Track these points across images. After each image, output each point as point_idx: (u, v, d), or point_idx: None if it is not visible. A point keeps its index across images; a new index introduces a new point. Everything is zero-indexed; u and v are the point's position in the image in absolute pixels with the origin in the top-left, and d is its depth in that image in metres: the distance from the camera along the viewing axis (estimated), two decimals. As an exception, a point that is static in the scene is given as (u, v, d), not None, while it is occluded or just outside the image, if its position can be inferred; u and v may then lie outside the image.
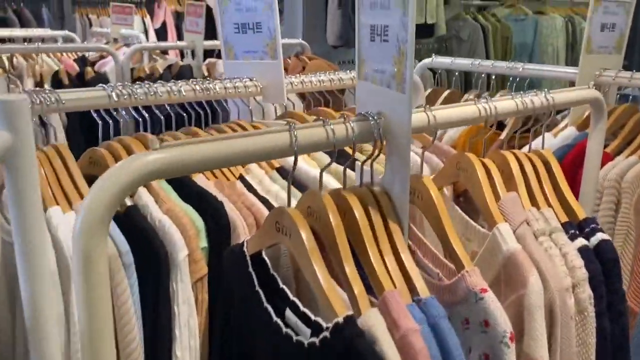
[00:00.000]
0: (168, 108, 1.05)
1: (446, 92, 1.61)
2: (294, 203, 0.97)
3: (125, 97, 0.89)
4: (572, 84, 1.40)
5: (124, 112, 0.95)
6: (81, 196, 0.82)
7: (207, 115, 1.13)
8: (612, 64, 1.30)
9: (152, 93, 0.93)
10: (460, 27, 4.53)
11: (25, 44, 1.93)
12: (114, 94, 0.89)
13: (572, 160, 1.22)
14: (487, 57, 4.49)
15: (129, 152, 0.90)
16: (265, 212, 0.91)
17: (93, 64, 2.49)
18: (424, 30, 4.01)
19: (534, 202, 0.84)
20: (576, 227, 0.83)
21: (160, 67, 2.37)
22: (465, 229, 0.85)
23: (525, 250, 0.73)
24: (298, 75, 1.14)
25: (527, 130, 1.61)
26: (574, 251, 0.77)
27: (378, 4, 0.66)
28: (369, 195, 0.69)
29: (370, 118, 0.67)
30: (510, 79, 1.51)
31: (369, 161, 0.70)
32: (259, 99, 1.10)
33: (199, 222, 0.85)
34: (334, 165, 1.08)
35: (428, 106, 0.75)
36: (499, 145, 1.43)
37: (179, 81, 0.98)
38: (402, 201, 0.68)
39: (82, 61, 2.48)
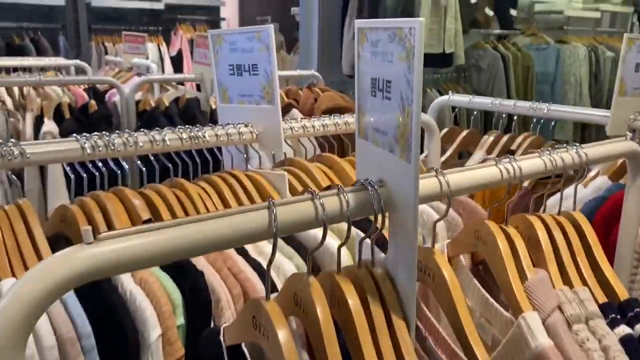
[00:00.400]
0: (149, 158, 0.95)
1: (464, 133, 1.50)
2: (287, 267, 0.86)
3: (101, 148, 0.80)
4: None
5: (100, 164, 0.86)
6: (41, 265, 0.72)
7: (206, 162, 1.03)
8: (649, 107, 1.17)
9: (131, 144, 0.83)
10: (480, 56, 4.43)
11: (27, 76, 1.87)
12: (87, 145, 0.79)
13: (605, 215, 1.09)
14: (508, 87, 4.38)
15: (104, 211, 0.80)
16: (255, 280, 0.80)
17: (104, 93, 2.43)
18: (443, 60, 3.91)
19: (565, 278, 0.72)
20: (617, 309, 0.70)
21: (167, 99, 2.30)
22: (485, 308, 0.72)
23: (558, 346, 0.60)
24: (299, 119, 1.04)
25: (557, 175, 1.49)
26: (617, 345, 0.64)
27: (380, 54, 0.55)
28: (369, 280, 0.57)
29: (370, 188, 0.56)
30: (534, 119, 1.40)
31: (376, 231, 0.59)
32: (256, 145, 1.00)
33: (176, 295, 0.74)
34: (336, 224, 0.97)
35: (439, 169, 0.63)
36: (522, 194, 1.31)
37: (164, 129, 0.88)
38: (408, 289, 0.56)
39: (93, 91, 2.42)
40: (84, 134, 0.80)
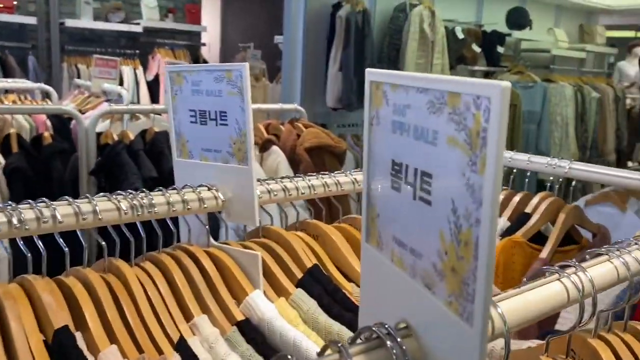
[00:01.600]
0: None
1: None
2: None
3: None
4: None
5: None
6: None
7: (154, 235, 0.80)
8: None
9: (47, 219, 0.60)
10: (467, 93, 4.31)
11: None
12: (-20, 222, 0.56)
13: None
14: (495, 125, 4.26)
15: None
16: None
17: (70, 119, 2.19)
18: (430, 96, 3.76)
19: None
20: None
21: (133, 130, 2.07)
22: None
23: None
24: (278, 180, 0.82)
25: (570, 242, 1.29)
26: None
27: (410, 129, 0.34)
28: None
29: (389, 342, 0.34)
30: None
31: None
32: (222, 213, 0.78)
33: None
34: (324, 318, 0.75)
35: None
36: (542, 264, 1.10)
37: (96, 197, 0.66)
38: None
39: (58, 118, 2.17)
40: (-21, 204, 0.57)
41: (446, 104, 0.30)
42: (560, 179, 1.21)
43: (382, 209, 0.39)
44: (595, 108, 5.15)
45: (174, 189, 0.72)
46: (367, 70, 0.41)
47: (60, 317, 0.60)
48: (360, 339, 0.36)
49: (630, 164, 5.01)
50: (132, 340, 0.63)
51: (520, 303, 0.44)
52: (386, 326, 0.36)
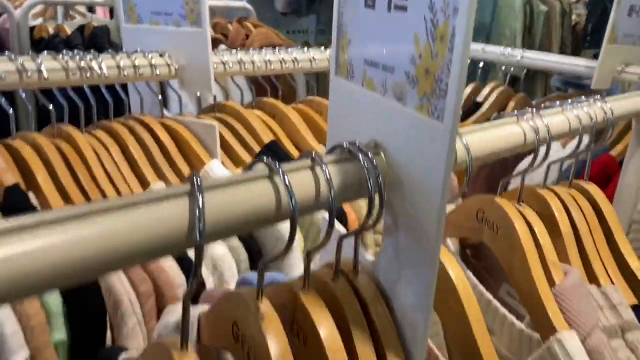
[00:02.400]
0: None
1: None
2: (218, 250, 0.64)
3: None
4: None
5: None
6: None
7: (104, 104, 0.76)
8: (638, 57, 1.03)
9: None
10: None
11: None
12: None
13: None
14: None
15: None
16: (172, 273, 0.58)
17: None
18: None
19: (589, 272, 0.55)
20: (650, 314, 0.54)
21: (68, 27, 1.93)
22: (486, 312, 0.55)
23: (605, 380, 0.43)
24: (234, 52, 0.79)
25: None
26: (664, 367, 0.48)
27: None
28: (351, 302, 0.37)
29: (360, 155, 0.34)
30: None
31: (365, 227, 0.38)
32: (175, 84, 0.75)
33: (54, 303, 0.50)
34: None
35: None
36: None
37: (41, 55, 0.61)
38: (415, 317, 0.36)
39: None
40: None
41: None
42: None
43: (354, 33, 0.38)
44: (542, 21, 5.19)
45: (124, 53, 0.68)
46: None
47: (9, 177, 0.57)
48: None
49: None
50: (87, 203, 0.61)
51: (483, 138, 0.45)
52: (357, 143, 0.36)
